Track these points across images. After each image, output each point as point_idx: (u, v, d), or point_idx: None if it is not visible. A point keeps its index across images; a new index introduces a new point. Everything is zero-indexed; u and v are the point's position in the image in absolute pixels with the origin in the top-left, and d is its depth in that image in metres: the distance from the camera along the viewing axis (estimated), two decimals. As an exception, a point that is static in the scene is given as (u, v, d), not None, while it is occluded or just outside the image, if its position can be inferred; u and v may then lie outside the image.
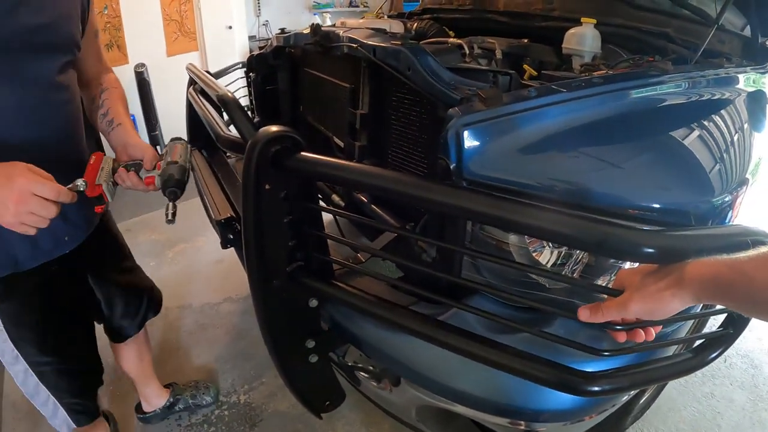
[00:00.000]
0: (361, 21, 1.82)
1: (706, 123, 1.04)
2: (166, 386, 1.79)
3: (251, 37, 5.36)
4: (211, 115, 1.32)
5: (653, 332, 0.63)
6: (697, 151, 0.97)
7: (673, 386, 1.84)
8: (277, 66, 2.14)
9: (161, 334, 2.21)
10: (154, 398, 1.72)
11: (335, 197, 1.49)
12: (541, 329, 0.70)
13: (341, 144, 1.64)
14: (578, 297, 0.88)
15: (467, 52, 1.39)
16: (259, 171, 0.79)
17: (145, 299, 1.44)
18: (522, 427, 0.88)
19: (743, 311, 0.55)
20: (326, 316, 1.04)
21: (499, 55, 1.42)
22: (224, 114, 1.36)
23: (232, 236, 1.20)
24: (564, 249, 0.86)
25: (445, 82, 0.96)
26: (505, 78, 1.02)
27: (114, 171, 1.01)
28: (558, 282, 0.86)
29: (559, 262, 0.89)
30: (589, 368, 0.68)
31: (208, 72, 1.79)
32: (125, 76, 3.80)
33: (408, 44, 1.05)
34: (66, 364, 1.19)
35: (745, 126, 1.15)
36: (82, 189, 0.92)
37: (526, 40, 1.53)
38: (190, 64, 1.76)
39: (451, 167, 0.81)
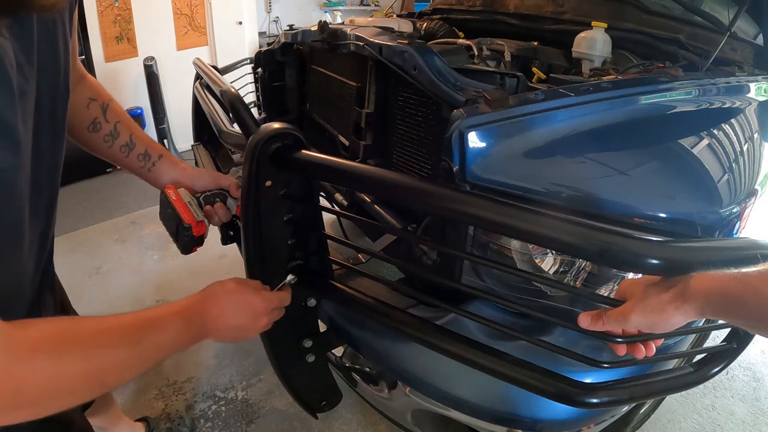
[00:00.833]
0: (369, 19, 1.82)
1: (715, 131, 1.02)
2: (139, 420, 1.64)
3: (261, 34, 5.37)
4: (215, 110, 1.31)
5: (654, 346, 0.61)
6: (706, 160, 0.95)
7: (673, 397, 1.82)
8: (285, 62, 2.13)
9: (161, 327, 2.20)
10: None
11: (338, 196, 1.49)
12: (541, 337, 0.68)
13: (346, 143, 1.63)
14: (579, 305, 0.87)
15: (476, 53, 1.38)
16: (259, 167, 0.78)
17: None
18: (519, 436, 0.87)
19: (749, 328, 0.54)
20: (325, 316, 1.04)
21: (507, 57, 1.40)
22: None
23: (232, 233, 1.19)
24: (567, 256, 0.85)
25: (451, 83, 0.94)
26: (512, 80, 1.00)
27: (200, 205, 0.93)
28: (560, 290, 0.85)
29: (561, 269, 0.87)
30: (589, 379, 0.67)
31: (214, 67, 1.79)
32: (134, 68, 3.81)
33: (414, 44, 1.04)
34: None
35: (756, 136, 1.13)
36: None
37: (535, 43, 1.52)
38: (197, 58, 1.76)
39: (454, 169, 0.80)
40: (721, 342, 0.71)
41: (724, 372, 0.72)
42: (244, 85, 2.55)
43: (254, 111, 2.54)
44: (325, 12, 5.83)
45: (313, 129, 2.07)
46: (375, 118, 1.43)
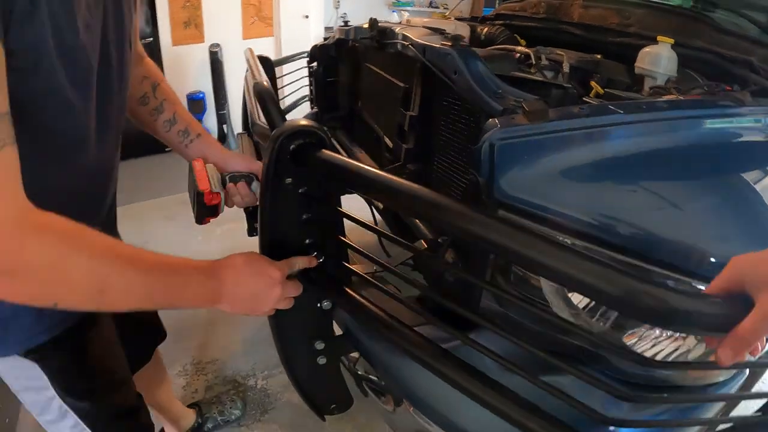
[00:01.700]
0: (425, 20, 1.77)
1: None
2: (191, 406, 1.67)
3: (328, 29, 5.43)
4: (253, 102, 1.31)
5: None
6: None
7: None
8: (339, 58, 2.13)
9: (195, 306, 2.26)
10: (180, 420, 1.59)
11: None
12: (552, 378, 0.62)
13: (390, 144, 1.60)
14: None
15: (533, 62, 1.30)
16: (278, 163, 0.77)
17: (152, 327, 1.32)
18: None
19: None
20: (341, 321, 1.01)
21: (566, 68, 1.32)
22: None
23: (258, 225, 1.19)
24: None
25: (491, 90, 0.88)
26: (558, 91, 0.93)
27: (223, 182, 0.95)
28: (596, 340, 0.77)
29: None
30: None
31: (267, 58, 1.81)
32: (200, 54, 3.95)
33: (458, 46, 0.98)
34: (124, 407, 1.03)
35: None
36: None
37: (598, 56, 1.42)
38: (249, 49, 1.78)
39: (481, 183, 0.74)
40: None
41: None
42: (299, 78, 2.56)
43: (307, 105, 2.56)
44: (393, 11, 5.81)
45: (362, 128, 2.05)
46: (419, 122, 1.39)
